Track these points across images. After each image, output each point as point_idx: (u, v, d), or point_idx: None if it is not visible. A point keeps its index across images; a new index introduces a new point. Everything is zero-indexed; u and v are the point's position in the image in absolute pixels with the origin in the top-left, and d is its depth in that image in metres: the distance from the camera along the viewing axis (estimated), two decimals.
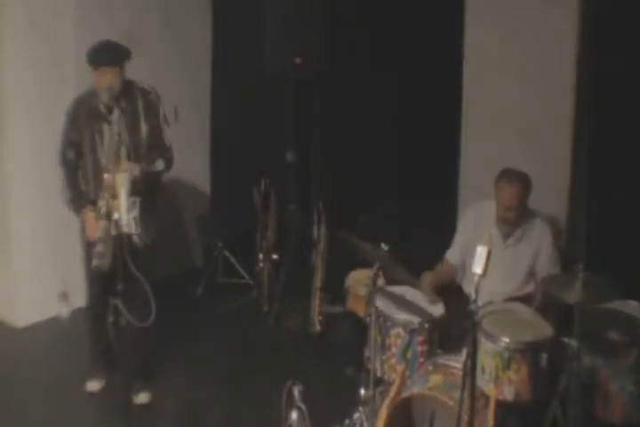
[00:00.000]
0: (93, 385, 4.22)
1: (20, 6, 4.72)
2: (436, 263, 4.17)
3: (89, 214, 3.79)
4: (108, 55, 3.80)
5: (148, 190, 3.86)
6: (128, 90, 3.84)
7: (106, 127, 3.78)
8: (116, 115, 3.75)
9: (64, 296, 5.10)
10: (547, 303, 3.65)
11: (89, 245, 3.85)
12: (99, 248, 3.73)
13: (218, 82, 6.01)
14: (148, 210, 3.85)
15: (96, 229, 3.73)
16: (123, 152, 3.75)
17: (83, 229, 3.95)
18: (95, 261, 3.77)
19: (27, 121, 4.80)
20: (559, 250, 4.00)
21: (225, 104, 5.95)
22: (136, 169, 3.75)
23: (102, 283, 3.93)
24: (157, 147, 3.90)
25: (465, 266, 4.04)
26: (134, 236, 3.73)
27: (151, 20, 5.47)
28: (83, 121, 3.82)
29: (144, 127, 3.86)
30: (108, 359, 4.23)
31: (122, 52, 3.83)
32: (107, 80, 3.73)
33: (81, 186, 3.88)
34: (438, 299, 3.74)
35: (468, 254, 3.94)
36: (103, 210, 3.66)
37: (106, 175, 3.66)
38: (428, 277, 3.85)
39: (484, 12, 4.66)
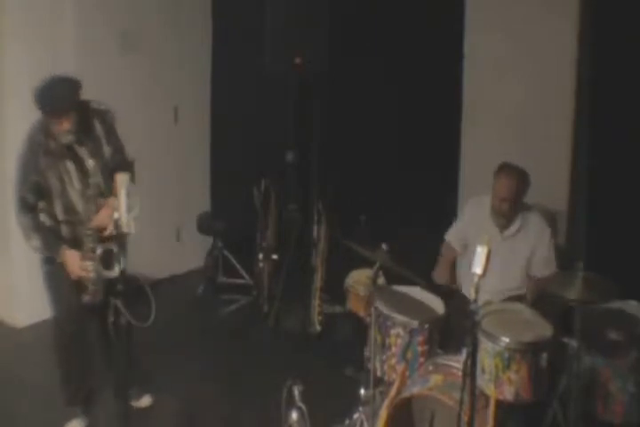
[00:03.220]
0: (76, 425, 3.93)
1: (19, 7, 4.73)
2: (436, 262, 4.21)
3: (69, 254, 3.63)
4: (60, 104, 3.53)
5: None
6: (84, 117, 3.65)
7: (71, 166, 3.64)
8: (79, 151, 3.61)
9: None
10: (541, 302, 3.67)
11: (75, 281, 3.67)
12: (92, 287, 3.61)
13: (218, 82, 6.00)
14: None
15: (80, 267, 3.61)
16: (93, 185, 3.64)
17: (49, 274, 3.78)
18: (87, 298, 3.64)
19: (27, 121, 4.79)
20: (556, 249, 4.01)
21: (225, 104, 5.95)
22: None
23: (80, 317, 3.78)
24: (122, 165, 3.78)
25: (462, 259, 4.08)
26: (115, 273, 3.49)
27: (151, 20, 5.47)
28: (43, 163, 3.63)
29: (107, 150, 3.74)
30: (87, 392, 4.01)
31: (72, 96, 3.56)
32: (65, 126, 3.54)
33: (48, 232, 3.68)
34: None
35: (467, 248, 3.97)
36: (95, 252, 3.55)
37: (92, 222, 3.60)
38: (441, 273, 4.04)
39: (484, 12, 4.67)
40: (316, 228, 5.04)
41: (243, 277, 5.68)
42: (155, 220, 5.43)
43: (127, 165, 3.83)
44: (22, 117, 4.78)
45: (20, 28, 4.75)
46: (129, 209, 3.59)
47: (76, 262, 3.63)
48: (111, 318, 3.51)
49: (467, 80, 4.77)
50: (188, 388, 4.30)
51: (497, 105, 4.67)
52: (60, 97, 3.55)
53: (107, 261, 3.53)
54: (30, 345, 4.79)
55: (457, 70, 4.76)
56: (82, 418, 3.95)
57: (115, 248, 3.51)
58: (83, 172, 3.64)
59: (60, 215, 3.69)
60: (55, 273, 3.74)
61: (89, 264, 3.60)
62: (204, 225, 5.81)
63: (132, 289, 3.53)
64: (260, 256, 5.42)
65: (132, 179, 3.80)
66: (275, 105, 5.51)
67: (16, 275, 5.01)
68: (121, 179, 3.61)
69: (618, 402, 3.32)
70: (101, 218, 3.64)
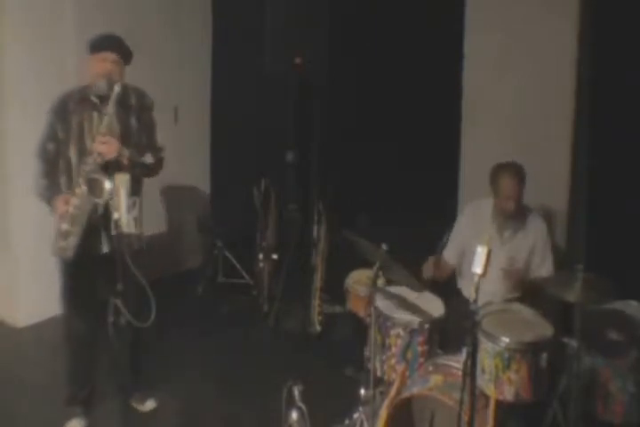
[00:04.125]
0: (76, 424, 3.88)
1: (20, 7, 4.73)
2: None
3: (61, 197, 3.61)
4: (114, 42, 3.67)
5: (134, 188, 3.71)
6: (123, 88, 3.67)
7: (95, 115, 3.64)
8: (109, 106, 3.54)
9: None
10: (543, 304, 3.66)
11: (56, 229, 3.66)
12: (64, 226, 3.56)
13: (218, 82, 6.01)
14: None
15: (65, 201, 3.58)
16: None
17: (63, 270, 3.78)
18: (59, 244, 3.60)
19: (27, 121, 4.80)
20: (556, 249, 4.01)
21: (225, 104, 5.96)
22: (125, 152, 3.59)
23: (78, 281, 3.75)
24: (149, 146, 3.80)
25: (462, 265, 4.06)
26: (104, 197, 3.47)
27: (151, 20, 5.48)
28: (70, 111, 3.67)
29: (135, 126, 3.73)
30: (89, 392, 3.96)
31: (128, 48, 3.70)
32: (107, 66, 3.60)
33: (58, 178, 3.70)
34: (424, 287, 3.74)
35: (465, 253, 3.96)
36: (83, 188, 3.49)
37: (95, 151, 3.53)
38: (431, 265, 3.92)
39: (484, 12, 4.67)
40: (316, 228, 5.04)
41: (243, 277, 5.69)
42: (154, 219, 5.44)
43: (153, 148, 3.82)
44: (22, 117, 4.81)
45: (20, 28, 4.75)
46: (129, 209, 3.59)
47: (62, 206, 3.59)
48: (111, 318, 3.51)
49: (467, 80, 4.77)
50: (188, 388, 4.29)
51: (497, 105, 4.67)
52: (115, 38, 3.70)
53: (94, 190, 3.46)
54: (30, 345, 4.80)
55: (457, 70, 4.76)
56: (82, 418, 3.93)
57: (103, 178, 3.44)
58: (105, 127, 3.60)
59: (74, 161, 3.67)
60: (70, 270, 3.77)
61: (74, 199, 3.55)
62: (204, 225, 5.81)
63: (132, 289, 3.54)
64: (260, 256, 5.43)
65: (158, 165, 3.84)
66: (275, 105, 5.52)
67: (16, 275, 5.02)
68: (121, 179, 3.61)
69: (618, 402, 3.32)
70: (100, 144, 3.53)
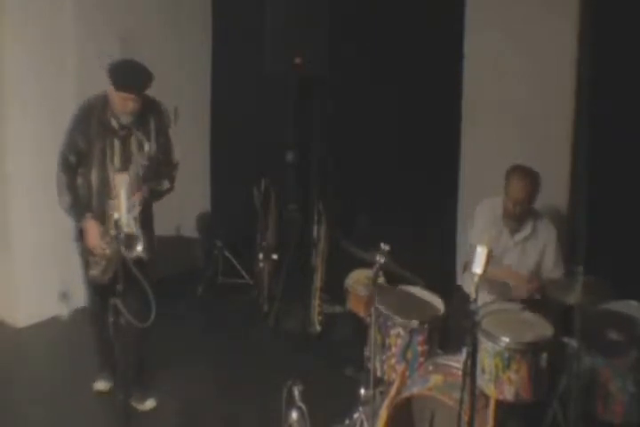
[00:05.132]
0: (101, 385, 4.22)
1: (19, 6, 4.72)
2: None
3: (91, 223, 3.76)
4: (137, 82, 3.67)
5: (148, 207, 3.88)
6: (144, 110, 3.75)
7: (117, 143, 3.74)
8: (129, 135, 3.69)
9: (64, 296, 5.11)
10: (541, 303, 3.67)
11: (87, 251, 3.84)
12: (101, 262, 3.77)
13: (218, 82, 6.01)
14: (149, 226, 3.89)
15: (98, 239, 3.71)
16: (132, 171, 3.72)
17: (79, 235, 3.88)
18: (93, 273, 3.82)
19: (27, 121, 4.80)
20: (563, 252, 4.01)
21: (225, 104, 5.95)
22: (146, 191, 3.75)
23: (102, 288, 3.88)
24: (165, 164, 3.88)
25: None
26: (136, 253, 3.63)
27: (151, 20, 5.47)
28: (93, 131, 3.75)
29: (152, 147, 3.80)
30: (113, 361, 4.09)
31: (148, 79, 3.70)
32: (129, 105, 3.66)
33: (80, 192, 3.82)
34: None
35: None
36: (112, 231, 3.58)
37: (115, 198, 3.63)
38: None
39: (484, 12, 4.66)
40: (316, 228, 5.04)
41: (243, 277, 5.68)
42: (155, 220, 5.43)
43: (169, 166, 3.90)
44: (22, 117, 4.81)
45: (20, 28, 4.75)
46: (129, 209, 3.60)
47: (94, 235, 3.73)
48: (111, 318, 3.52)
49: (467, 80, 4.77)
50: (188, 388, 4.30)
51: (497, 105, 4.66)
52: (139, 75, 3.69)
53: (128, 243, 3.56)
54: (30, 345, 4.80)
55: (457, 70, 4.75)
56: (107, 380, 4.17)
57: (137, 231, 3.58)
58: (126, 154, 3.73)
59: (95, 185, 3.79)
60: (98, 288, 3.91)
61: (106, 245, 3.68)
62: (204, 225, 5.80)
63: (133, 289, 3.54)
64: (260, 256, 5.43)
65: (172, 185, 3.93)
66: (275, 105, 5.51)
67: (17, 275, 5.01)
68: (121, 179, 3.62)
69: (618, 402, 3.32)
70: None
